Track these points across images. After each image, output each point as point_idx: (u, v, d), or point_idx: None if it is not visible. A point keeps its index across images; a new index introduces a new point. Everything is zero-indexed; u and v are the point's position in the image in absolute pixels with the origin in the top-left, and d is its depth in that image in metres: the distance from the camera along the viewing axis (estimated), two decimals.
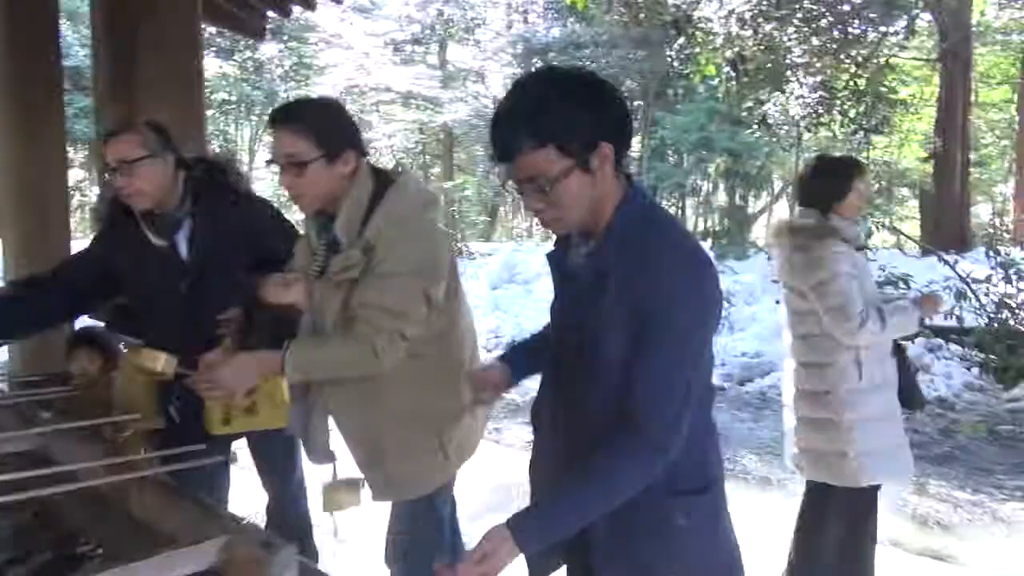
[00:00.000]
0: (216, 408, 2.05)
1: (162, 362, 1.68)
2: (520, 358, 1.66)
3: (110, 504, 1.32)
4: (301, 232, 2.08)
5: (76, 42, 14.61)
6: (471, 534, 3.21)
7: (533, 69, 1.36)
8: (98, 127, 4.73)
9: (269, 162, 1.84)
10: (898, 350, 2.60)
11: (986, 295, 7.01)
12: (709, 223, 16.79)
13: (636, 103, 18.04)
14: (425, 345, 1.84)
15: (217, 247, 2.16)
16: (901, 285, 7.81)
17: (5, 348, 3.88)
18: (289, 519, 2.44)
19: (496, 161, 1.30)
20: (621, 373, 1.27)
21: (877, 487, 2.58)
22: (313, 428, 1.94)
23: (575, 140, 1.23)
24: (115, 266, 2.23)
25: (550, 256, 1.47)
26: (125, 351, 2.24)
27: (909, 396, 2.60)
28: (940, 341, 7.00)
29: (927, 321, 2.60)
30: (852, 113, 7.07)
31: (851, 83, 6.88)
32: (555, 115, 1.23)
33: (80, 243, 2.81)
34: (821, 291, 2.43)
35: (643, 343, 1.25)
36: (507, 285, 11.39)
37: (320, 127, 1.76)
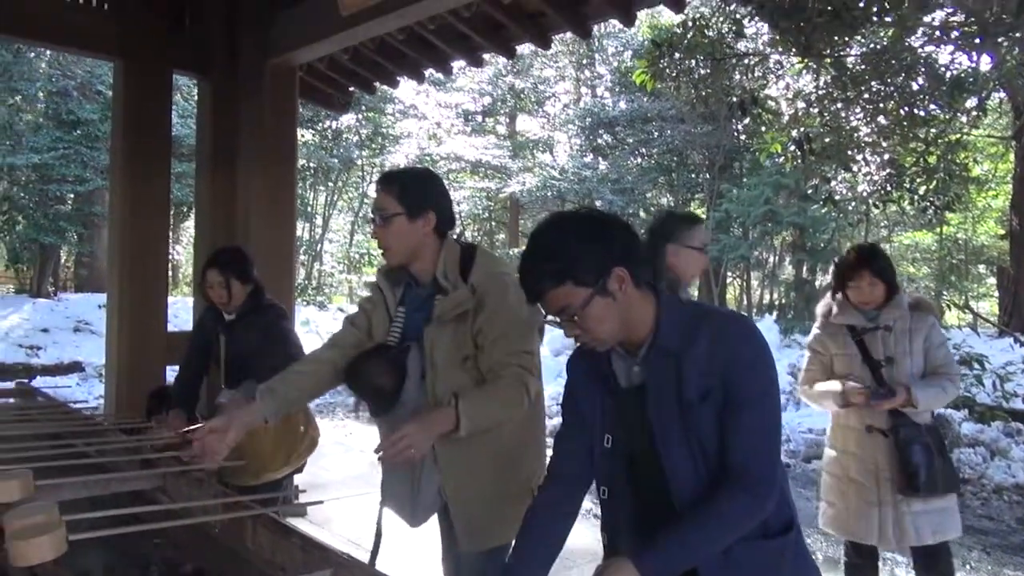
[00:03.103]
0: None
1: None
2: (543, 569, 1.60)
3: (226, 539, 1.48)
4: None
5: (175, 112, 15.66)
6: None
7: (549, 215, 1.56)
8: (197, 194, 5.13)
9: (371, 218, 2.13)
10: (894, 433, 2.72)
11: None
12: (775, 296, 16.59)
13: (702, 176, 18.19)
14: None
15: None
16: (975, 366, 7.60)
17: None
18: None
19: (529, 302, 1.51)
20: (717, 443, 1.43)
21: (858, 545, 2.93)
22: (423, 481, 2.06)
23: (589, 272, 1.43)
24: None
25: (589, 374, 1.65)
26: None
27: (901, 482, 2.68)
28: (1019, 425, 6.76)
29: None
30: (922, 190, 7.02)
31: (920, 161, 6.86)
32: (566, 255, 1.44)
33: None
34: None
35: (734, 404, 1.42)
36: (570, 351, 11.43)
37: (406, 189, 2.05)
